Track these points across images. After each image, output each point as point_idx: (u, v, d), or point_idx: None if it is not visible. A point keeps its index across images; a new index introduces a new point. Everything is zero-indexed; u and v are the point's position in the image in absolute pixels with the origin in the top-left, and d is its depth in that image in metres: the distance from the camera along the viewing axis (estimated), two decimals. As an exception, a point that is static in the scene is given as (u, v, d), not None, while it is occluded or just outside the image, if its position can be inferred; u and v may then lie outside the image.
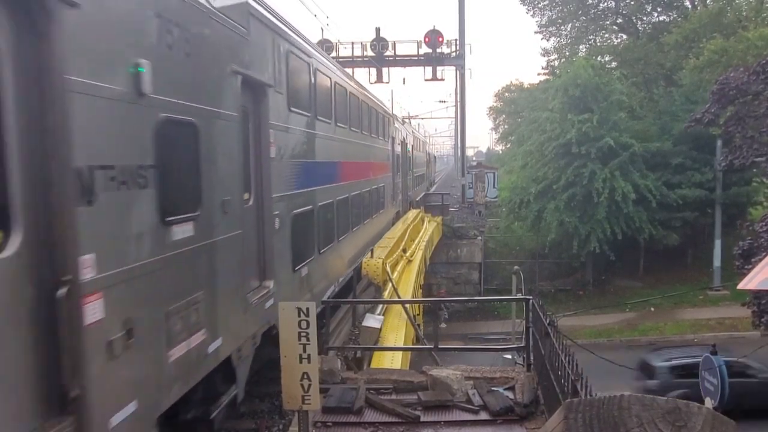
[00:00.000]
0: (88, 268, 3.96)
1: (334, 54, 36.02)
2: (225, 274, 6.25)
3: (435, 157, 76.71)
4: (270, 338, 7.46)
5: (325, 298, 10.57)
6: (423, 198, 37.54)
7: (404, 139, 28.37)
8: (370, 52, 38.14)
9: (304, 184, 9.65)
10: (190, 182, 5.62)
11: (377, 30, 38.53)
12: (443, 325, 29.20)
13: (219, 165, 6.14)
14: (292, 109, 8.93)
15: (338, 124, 12.53)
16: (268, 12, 7.83)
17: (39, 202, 3.65)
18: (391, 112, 25.72)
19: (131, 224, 4.61)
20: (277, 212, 8.03)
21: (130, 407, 4.46)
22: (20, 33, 3.59)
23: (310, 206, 10.05)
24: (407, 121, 49.47)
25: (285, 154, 8.58)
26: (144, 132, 4.76)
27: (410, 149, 32.24)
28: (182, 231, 5.35)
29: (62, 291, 3.73)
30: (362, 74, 38.86)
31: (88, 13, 3.97)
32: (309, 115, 10.07)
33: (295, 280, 9.01)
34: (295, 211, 8.94)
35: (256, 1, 7.33)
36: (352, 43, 38.61)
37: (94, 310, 4.02)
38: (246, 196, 7.14)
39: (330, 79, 11.81)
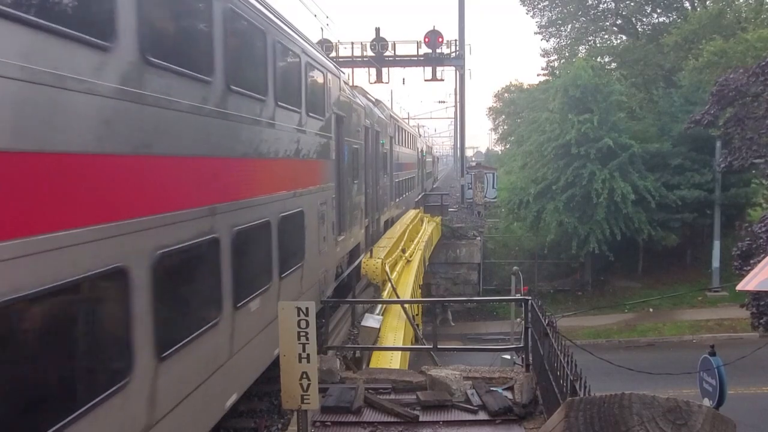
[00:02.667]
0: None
1: (333, 54, 36.02)
2: (392, 193, 23.92)
3: (438, 158, 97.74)
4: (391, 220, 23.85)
5: (393, 218, 24.56)
6: (422, 198, 37.64)
7: (421, 148, 43.97)
8: (369, 52, 38.12)
9: (397, 170, 25.17)
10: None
11: (377, 30, 38.54)
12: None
13: (400, 165, 27.59)
14: (394, 143, 23.75)
15: (403, 145, 28.55)
16: (392, 113, 28.46)
17: (336, 175, 10.61)
18: (419, 133, 48.41)
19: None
20: (394, 180, 24.03)
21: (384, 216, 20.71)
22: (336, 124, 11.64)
23: (398, 180, 25.69)
24: (420, 129, 65.70)
25: (395, 158, 24.50)
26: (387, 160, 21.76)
27: (424, 154, 47.84)
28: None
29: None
30: (362, 74, 39.00)
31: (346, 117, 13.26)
32: (399, 145, 25.56)
33: (397, 204, 24.59)
34: (395, 180, 24.37)
35: (393, 112, 30.26)
36: (352, 43, 38.62)
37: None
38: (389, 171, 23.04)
39: (402, 128, 28.88)
